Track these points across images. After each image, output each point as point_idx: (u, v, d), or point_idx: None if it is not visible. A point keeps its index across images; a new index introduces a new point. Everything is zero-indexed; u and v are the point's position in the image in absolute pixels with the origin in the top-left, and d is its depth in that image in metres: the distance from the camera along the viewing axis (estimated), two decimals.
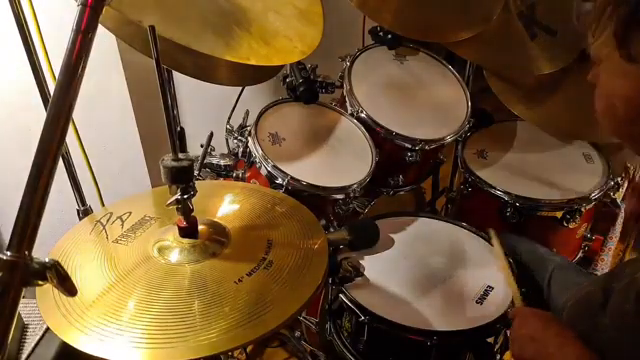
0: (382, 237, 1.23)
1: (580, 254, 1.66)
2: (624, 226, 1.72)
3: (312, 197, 1.29)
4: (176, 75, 1.54)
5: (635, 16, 0.64)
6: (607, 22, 0.67)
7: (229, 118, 1.54)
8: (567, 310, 0.88)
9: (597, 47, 0.71)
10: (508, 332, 1.11)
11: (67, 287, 0.55)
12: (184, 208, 0.81)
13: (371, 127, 1.47)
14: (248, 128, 1.42)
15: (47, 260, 0.53)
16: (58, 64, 0.57)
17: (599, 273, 1.77)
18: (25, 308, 1.08)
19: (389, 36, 1.63)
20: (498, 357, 1.15)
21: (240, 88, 1.53)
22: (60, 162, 0.63)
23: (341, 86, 1.55)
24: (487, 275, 1.16)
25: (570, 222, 1.48)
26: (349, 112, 1.52)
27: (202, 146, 1.49)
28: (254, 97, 1.86)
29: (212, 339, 0.68)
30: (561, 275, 1.18)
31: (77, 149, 1.29)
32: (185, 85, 1.73)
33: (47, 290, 0.75)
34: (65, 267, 0.54)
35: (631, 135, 0.74)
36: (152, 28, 0.68)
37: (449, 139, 1.53)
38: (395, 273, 1.17)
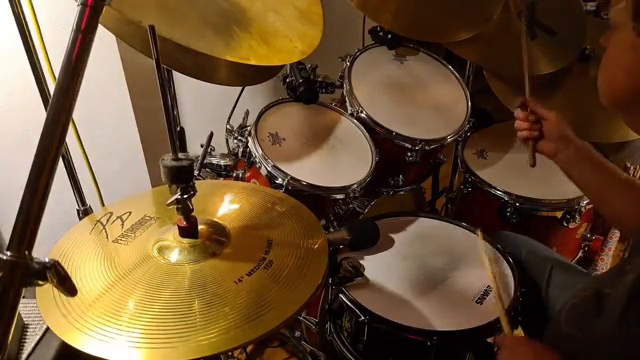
0: (382, 237, 1.23)
1: (580, 254, 1.66)
2: None
3: (312, 197, 1.29)
4: (176, 75, 1.54)
5: None
6: None
7: (229, 118, 1.54)
8: (565, 314, 0.87)
9: (615, 11, 0.72)
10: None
11: (67, 287, 0.55)
12: (184, 208, 0.81)
13: (371, 127, 1.47)
14: (248, 128, 1.42)
15: (47, 260, 0.52)
16: (58, 64, 0.57)
17: (599, 273, 1.77)
18: (25, 308, 1.08)
19: (389, 36, 1.63)
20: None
21: (240, 88, 1.53)
22: (60, 162, 0.63)
23: (341, 86, 1.55)
24: (487, 275, 1.16)
25: (570, 222, 1.49)
26: (349, 112, 1.52)
27: (202, 146, 1.49)
28: (254, 97, 1.86)
29: (212, 339, 0.68)
30: (560, 275, 1.18)
31: (77, 149, 1.29)
32: (185, 85, 1.73)
33: (47, 290, 0.75)
34: (65, 267, 0.54)
35: (625, 107, 0.76)
36: (152, 28, 0.68)
37: (449, 139, 1.53)
38: (395, 273, 1.17)
